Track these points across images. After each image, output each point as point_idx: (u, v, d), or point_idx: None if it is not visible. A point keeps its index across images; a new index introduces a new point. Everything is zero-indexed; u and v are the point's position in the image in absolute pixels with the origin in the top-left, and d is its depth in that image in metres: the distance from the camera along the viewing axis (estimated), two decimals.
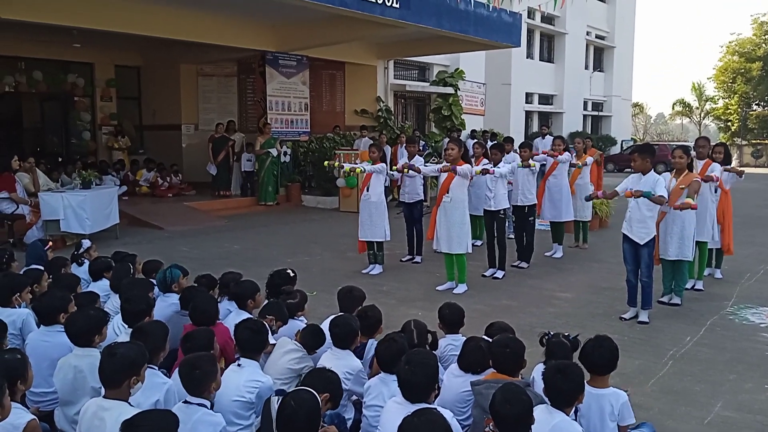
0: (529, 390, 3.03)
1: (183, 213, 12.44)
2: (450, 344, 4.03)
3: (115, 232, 10.09)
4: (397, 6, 10.82)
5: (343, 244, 9.56)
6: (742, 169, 7.17)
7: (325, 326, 3.95)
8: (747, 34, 39.96)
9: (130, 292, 4.14)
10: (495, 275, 7.67)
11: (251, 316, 4.13)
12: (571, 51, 28.25)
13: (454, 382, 3.47)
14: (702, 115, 46.65)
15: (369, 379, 3.52)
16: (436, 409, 2.74)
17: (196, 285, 4.74)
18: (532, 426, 2.64)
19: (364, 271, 7.89)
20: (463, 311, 4.20)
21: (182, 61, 15.58)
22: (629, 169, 6.30)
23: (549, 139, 13.50)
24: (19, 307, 4.31)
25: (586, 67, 30.57)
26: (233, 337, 3.66)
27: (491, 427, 2.72)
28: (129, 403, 2.86)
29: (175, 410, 2.77)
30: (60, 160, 15.26)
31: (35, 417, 2.86)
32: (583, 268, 8.24)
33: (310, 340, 3.78)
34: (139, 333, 3.34)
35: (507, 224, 8.30)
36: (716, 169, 6.74)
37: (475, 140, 12.59)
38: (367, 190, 7.77)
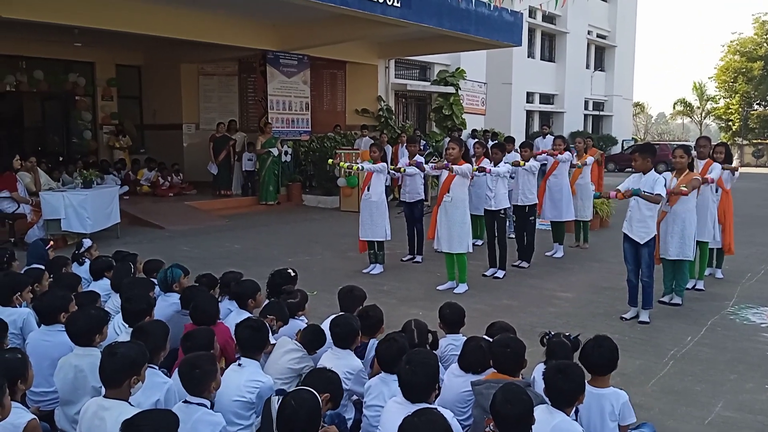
0: (530, 390, 3.03)
1: (184, 212, 12.45)
2: (450, 344, 4.02)
3: (116, 232, 10.10)
4: (398, 5, 10.82)
5: (343, 244, 9.56)
6: (734, 166, 7.15)
7: (325, 326, 3.95)
8: (748, 33, 39.98)
9: (130, 291, 4.14)
10: (495, 275, 7.67)
11: (252, 316, 4.13)
12: (572, 50, 28.24)
13: (454, 382, 3.47)
14: (703, 114, 46.60)
15: (370, 378, 3.52)
16: (436, 409, 2.74)
17: (196, 284, 4.75)
18: (533, 426, 2.64)
19: (364, 271, 7.89)
20: (463, 311, 4.20)
21: (183, 61, 15.58)
22: (630, 169, 6.30)
23: (550, 138, 13.48)
24: (20, 306, 4.32)
25: (587, 67, 30.56)
26: (234, 337, 3.66)
27: (492, 427, 2.72)
28: (129, 403, 2.86)
29: (175, 410, 2.78)
30: (61, 159, 15.30)
31: (35, 416, 2.87)
32: (584, 268, 8.24)
33: (311, 340, 3.77)
34: (140, 332, 3.34)
35: (507, 224, 8.30)
36: (716, 169, 6.73)
37: (476, 140, 12.58)
38: (368, 190, 7.77)
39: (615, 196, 5.86)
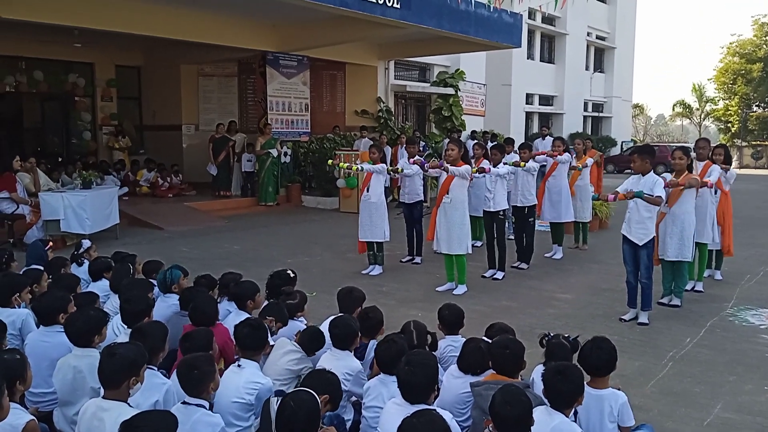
0: (529, 391, 3.03)
1: (183, 213, 12.44)
2: (449, 345, 4.02)
3: (115, 232, 10.09)
4: (398, 6, 10.83)
5: (343, 245, 9.56)
6: (726, 166, 7.15)
7: (324, 327, 3.95)
8: (747, 35, 39.99)
9: (129, 292, 4.14)
10: (495, 276, 7.67)
11: (251, 317, 4.13)
12: (571, 52, 28.27)
13: (453, 383, 3.46)
14: (702, 116, 46.64)
15: (369, 380, 3.52)
16: (435, 410, 2.74)
17: (195, 285, 4.74)
18: (532, 427, 2.63)
19: (364, 272, 7.89)
20: (462, 312, 4.20)
21: (183, 61, 15.58)
22: (629, 170, 6.30)
23: (549, 140, 13.50)
24: (19, 307, 4.31)
25: (587, 68, 30.59)
26: (233, 337, 3.65)
27: (491, 429, 2.72)
28: (128, 404, 2.85)
29: (174, 411, 2.77)
30: (60, 160, 15.27)
31: (34, 417, 2.86)
32: (583, 269, 8.24)
33: (309, 343, 3.77)
34: (139, 333, 3.34)
35: (507, 225, 8.30)
36: (715, 171, 6.73)
37: (476, 141, 12.59)
38: (367, 191, 7.77)
39: (613, 198, 5.86)
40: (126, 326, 3.90)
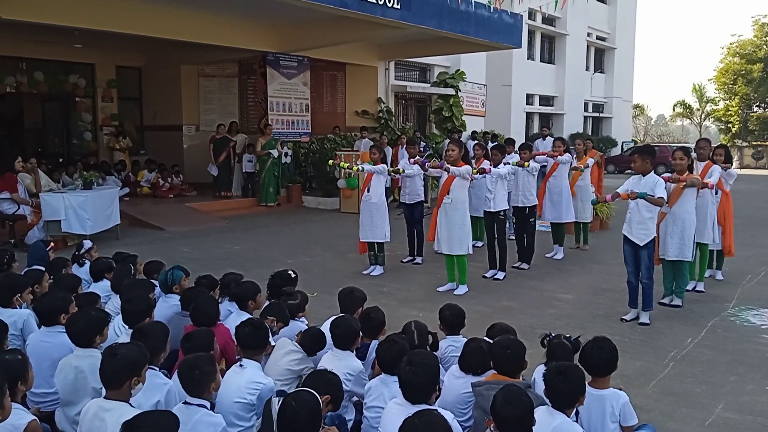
0: (530, 391, 3.03)
1: (184, 214, 12.45)
2: (451, 345, 4.02)
3: (116, 233, 10.10)
4: (398, 7, 10.83)
5: (343, 245, 9.56)
6: (727, 165, 7.16)
7: (326, 327, 3.95)
8: (748, 35, 39.98)
9: (130, 292, 4.15)
10: (495, 276, 7.67)
11: (252, 317, 4.13)
12: (571, 52, 28.27)
13: (454, 383, 3.46)
14: (703, 116, 46.62)
15: (371, 380, 3.52)
16: (436, 410, 2.74)
17: (196, 286, 4.75)
18: (533, 427, 2.63)
19: (364, 272, 7.89)
20: (463, 312, 4.20)
21: (183, 62, 15.59)
22: (630, 171, 6.30)
23: (549, 140, 13.49)
24: (20, 307, 4.31)
25: (587, 69, 30.59)
26: (234, 338, 3.66)
27: (492, 429, 2.72)
28: (130, 404, 2.86)
29: (175, 411, 2.77)
30: (61, 160, 15.28)
31: (36, 418, 2.86)
32: (584, 270, 8.24)
33: (310, 343, 3.77)
34: (140, 334, 3.34)
35: (507, 225, 8.29)
36: (716, 172, 6.72)
37: (476, 141, 12.59)
38: (368, 191, 7.77)
39: (611, 198, 5.86)
40: (127, 327, 3.91)
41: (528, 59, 25.89)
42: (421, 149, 13.40)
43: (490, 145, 10.09)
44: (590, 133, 30.05)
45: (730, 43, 40.39)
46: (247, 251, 9.35)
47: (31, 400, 3.61)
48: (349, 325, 3.72)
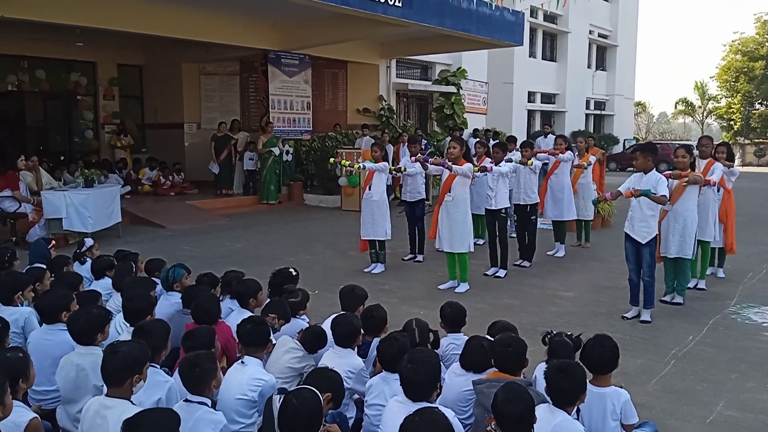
0: (531, 389, 3.03)
1: (185, 212, 12.46)
2: (452, 343, 4.02)
3: (118, 231, 10.11)
4: (400, 5, 10.82)
5: (345, 243, 9.56)
6: (729, 163, 7.15)
7: (327, 325, 3.95)
8: (750, 33, 39.85)
9: (132, 290, 4.15)
10: (497, 274, 7.66)
11: (253, 315, 4.13)
12: (573, 50, 28.22)
13: (456, 381, 3.47)
14: (705, 114, 46.54)
15: (372, 377, 3.52)
16: (437, 408, 2.74)
17: (198, 284, 4.75)
18: (534, 425, 2.63)
19: (366, 270, 7.89)
20: (464, 310, 4.20)
21: (184, 60, 15.59)
22: (631, 168, 6.29)
23: (551, 138, 13.47)
24: (22, 305, 4.32)
25: (589, 66, 30.52)
26: (235, 336, 3.66)
27: (493, 426, 2.73)
28: (131, 402, 2.86)
29: (176, 408, 2.78)
30: (62, 158, 15.30)
31: (37, 415, 2.87)
32: (586, 267, 8.24)
33: (311, 342, 3.77)
34: (141, 332, 3.34)
35: (509, 223, 8.29)
36: (718, 170, 6.72)
37: (477, 139, 12.57)
38: (369, 189, 7.77)
39: (611, 197, 5.85)
40: (128, 324, 3.91)
41: (530, 57, 25.84)
42: (423, 147, 13.40)
43: (492, 142, 10.09)
44: (592, 131, 30.00)
45: (733, 41, 40.35)
46: (249, 249, 9.35)
47: (32, 397, 3.62)
48: (350, 323, 3.72)
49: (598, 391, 3.18)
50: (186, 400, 2.94)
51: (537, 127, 26.33)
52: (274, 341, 3.82)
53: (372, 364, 3.85)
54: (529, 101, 26.30)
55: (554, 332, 3.56)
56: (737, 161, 8.70)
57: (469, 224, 6.94)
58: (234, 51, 14.19)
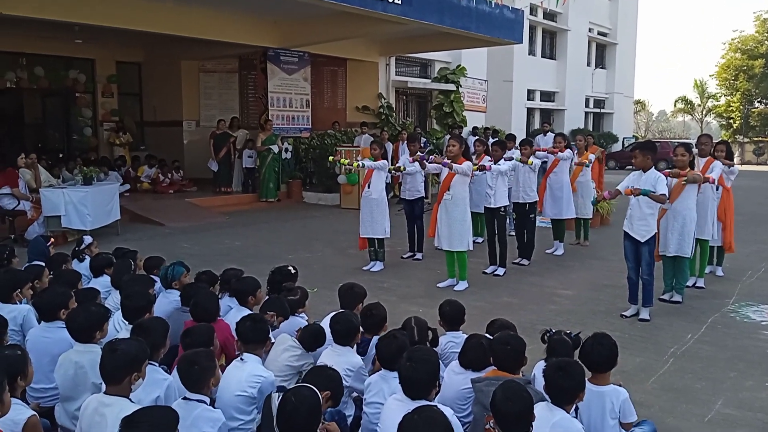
0: (530, 387, 3.03)
1: (184, 209, 12.45)
2: (451, 341, 4.02)
3: (116, 228, 10.10)
4: (399, 2, 10.81)
5: (344, 241, 9.56)
6: (729, 162, 7.16)
7: (326, 323, 3.95)
8: (750, 31, 39.91)
9: (130, 288, 4.15)
10: (496, 272, 7.66)
11: (252, 313, 4.13)
12: (573, 48, 28.20)
13: (454, 379, 3.47)
14: (704, 112, 46.55)
15: (371, 375, 3.52)
16: (436, 406, 2.73)
17: (196, 281, 4.75)
18: (533, 423, 2.63)
19: (365, 268, 7.89)
20: (463, 308, 4.20)
21: (183, 57, 15.57)
22: (631, 167, 6.28)
23: (550, 136, 13.48)
24: (20, 303, 4.32)
25: (588, 64, 30.50)
26: (234, 333, 3.66)
27: (492, 425, 2.72)
28: (130, 399, 2.86)
29: (174, 406, 2.78)
30: (61, 156, 15.27)
31: (35, 413, 2.87)
32: (584, 266, 8.24)
33: (310, 340, 3.77)
34: (140, 329, 3.34)
35: (508, 221, 8.28)
36: (717, 168, 6.72)
37: (477, 137, 12.57)
38: (368, 187, 7.77)
39: (609, 196, 5.85)
40: (127, 322, 3.90)
41: (529, 55, 25.82)
42: (422, 145, 13.40)
43: (491, 140, 10.09)
44: (591, 129, 30.00)
45: (732, 39, 40.41)
46: (247, 247, 9.35)
47: (30, 395, 3.62)
48: (349, 321, 3.72)
49: (597, 389, 3.18)
50: (184, 398, 2.94)
51: (536, 125, 26.31)
52: (273, 340, 3.82)
53: (371, 362, 3.85)
54: (528, 99, 26.29)
55: (553, 330, 3.56)
56: (736, 160, 8.70)
57: (468, 222, 6.94)
58: (233, 48, 14.17)
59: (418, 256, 8.51)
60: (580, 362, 3.09)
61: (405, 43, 16.26)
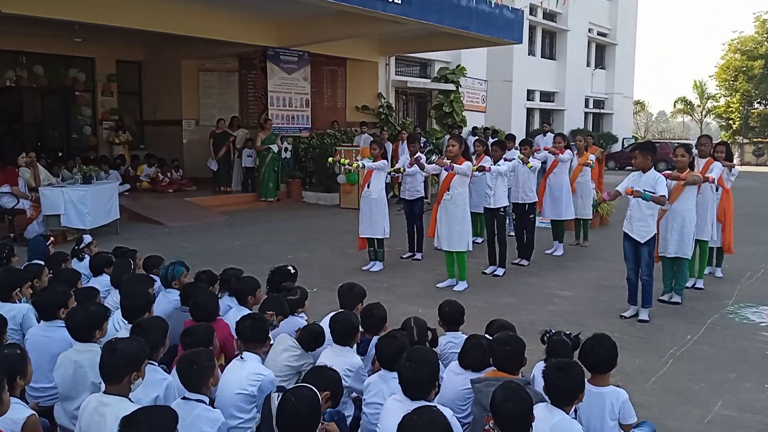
0: (530, 388, 3.03)
1: (183, 209, 12.44)
2: (450, 342, 4.02)
3: (116, 228, 10.09)
4: (399, 2, 10.81)
5: (343, 241, 9.55)
6: (730, 163, 7.17)
7: (325, 323, 3.95)
8: (749, 32, 39.93)
9: (130, 287, 4.14)
10: (495, 273, 7.66)
11: (252, 312, 4.13)
12: (572, 48, 28.19)
13: (454, 379, 3.46)
14: (703, 113, 46.58)
15: (370, 375, 3.52)
16: (436, 406, 2.73)
17: (196, 281, 4.74)
18: (532, 424, 2.63)
19: (364, 268, 7.89)
20: (463, 309, 4.19)
21: (183, 57, 15.56)
22: (630, 167, 6.28)
23: (550, 136, 13.47)
24: (20, 302, 4.31)
25: (588, 65, 30.50)
26: (235, 332, 3.65)
27: (491, 425, 2.72)
28: (129, 399, 2.85)
29: (173, 406, 2.78)
30: (60, 155, 15.26)
31: (35, 412, 2.87)
32: (584, 266, 8.24)
33: (309, 340, 3.77)
34: (139, 329, 3.33)
35: (507, 222, 8.28)
36: (717, 168, 6.72)
37: (477, 137, 12.56)
38: (368, 187, 7.76)
39: (608, 197, 5.84)
40: (127, 321, 3.90)
41: (529, 55, 25.80)
42: (422, 145, 13.39)
43: (491, 141, 10.08)
44: (591, 130, 29.98)
45: (731, 40, 40.40)
46: (247, 246, 9.34)
47: (30, 394, 3.61)
48: (348, 321, 3.72)
49: (597, 390, 3.17)
50: (184, 398, 2.94)
51: (536, 125, 26.30)
52: (272, 340, 3.82)
53: (370, 363, 3.85)
54: (528, 99, 26.28)
55: (553, 331, 3.56)
56: (735, 160, 8.71)
57: (467, 223, 6.94)
58: (233, 48, 14.16)
59: (418, 256, 8.51)
60: (579, 363, 3.09)
61: (405, 43, 16.25)
